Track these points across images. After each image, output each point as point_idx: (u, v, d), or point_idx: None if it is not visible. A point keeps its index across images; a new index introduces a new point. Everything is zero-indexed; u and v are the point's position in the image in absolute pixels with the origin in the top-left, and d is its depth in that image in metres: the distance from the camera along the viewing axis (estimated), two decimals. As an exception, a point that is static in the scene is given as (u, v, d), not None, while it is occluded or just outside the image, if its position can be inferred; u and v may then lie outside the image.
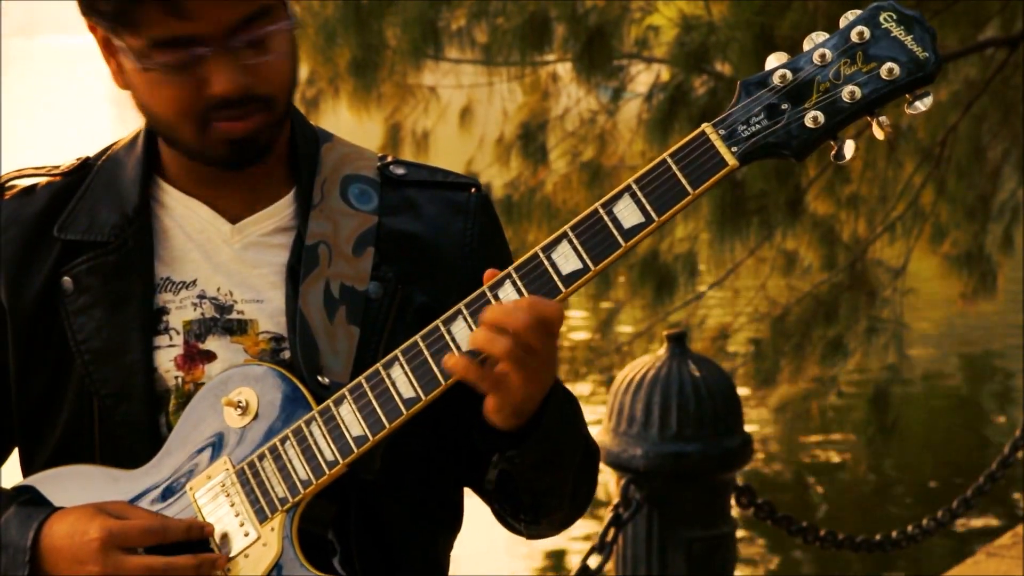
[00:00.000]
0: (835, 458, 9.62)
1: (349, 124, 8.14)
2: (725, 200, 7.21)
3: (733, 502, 4.50)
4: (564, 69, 8.19)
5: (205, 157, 1.96)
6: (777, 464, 9.58)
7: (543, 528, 2.07)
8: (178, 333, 2.01)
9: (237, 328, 2.00)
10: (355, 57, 7.80)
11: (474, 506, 2.14)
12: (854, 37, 1.83)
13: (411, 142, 8.39)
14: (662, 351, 4.52)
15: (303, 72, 8.42)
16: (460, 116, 8.61)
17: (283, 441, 1.93)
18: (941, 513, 5.32)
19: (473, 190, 2.09)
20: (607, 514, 4.30)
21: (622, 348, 8.32)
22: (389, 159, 2.11)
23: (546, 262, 1.84)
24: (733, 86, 7.20)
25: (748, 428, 4.53)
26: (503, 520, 2.09)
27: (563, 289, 1.84)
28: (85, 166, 2.09)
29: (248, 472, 1.94)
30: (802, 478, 9.37)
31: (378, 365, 1.90)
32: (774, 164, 6.61)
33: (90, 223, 2.03)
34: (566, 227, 1.85)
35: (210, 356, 2.00)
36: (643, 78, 8.10)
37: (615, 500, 4.32)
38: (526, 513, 2.03)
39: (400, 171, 2.08)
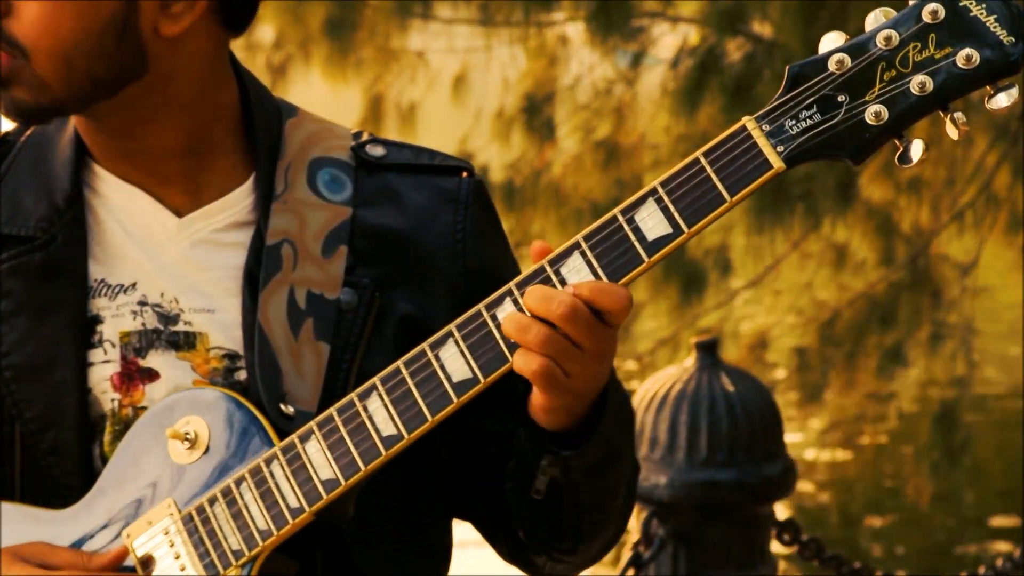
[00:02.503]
0: (893, 487, 9.62)
1: (323, 95, 8.16)
2: (764, 184, 7.20)
3: (773, 539, 4.50)
4: (575, 30, 8.20)
5: None
6: (825, 494, 9.58)
7: (578, 559, 2.04)
8: (114, 346, 1.99)
9: (184, 342, 1.98)
10: (330, 16, 7.82)
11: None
12: (926, 16, 1.79)
13: (395, 116, 8.40)
14: (690, 362, 4.53)
15: (268, 34, 8.43)
16: (453, 86, 8.62)
17: (238, 483, 1.91)
18: (1019, 552, 5.31)
19: (464, 175, 2.08)
20: (625, 553, 4.29)
21: (643, 358, 8.32)
22: (365, 137, 2.09)
23: (554, 278, 1.83)
24: (773, 51, 7.27)
25: (791, 452, 4.52)
26: (518, 555, 2.06)
27: None
28: (4, 143, 2.07)
29: (197, 518, 1.92)
30: (854, 511, 9.37)
31: (353, 395, 1.88)
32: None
33: (12, 213, 2.01)
34: (578, 236, 1.83)
35: (152, 375, 1.98)
36: (668, 41, 8.10)
37: (635, 537, 4.31)
38: (562, 540, 2.00)
39: (378, 152, 2.07)
